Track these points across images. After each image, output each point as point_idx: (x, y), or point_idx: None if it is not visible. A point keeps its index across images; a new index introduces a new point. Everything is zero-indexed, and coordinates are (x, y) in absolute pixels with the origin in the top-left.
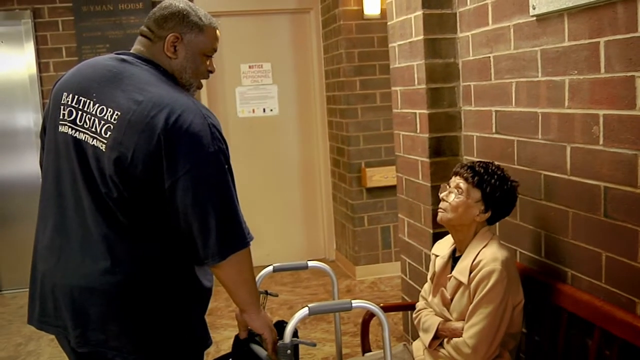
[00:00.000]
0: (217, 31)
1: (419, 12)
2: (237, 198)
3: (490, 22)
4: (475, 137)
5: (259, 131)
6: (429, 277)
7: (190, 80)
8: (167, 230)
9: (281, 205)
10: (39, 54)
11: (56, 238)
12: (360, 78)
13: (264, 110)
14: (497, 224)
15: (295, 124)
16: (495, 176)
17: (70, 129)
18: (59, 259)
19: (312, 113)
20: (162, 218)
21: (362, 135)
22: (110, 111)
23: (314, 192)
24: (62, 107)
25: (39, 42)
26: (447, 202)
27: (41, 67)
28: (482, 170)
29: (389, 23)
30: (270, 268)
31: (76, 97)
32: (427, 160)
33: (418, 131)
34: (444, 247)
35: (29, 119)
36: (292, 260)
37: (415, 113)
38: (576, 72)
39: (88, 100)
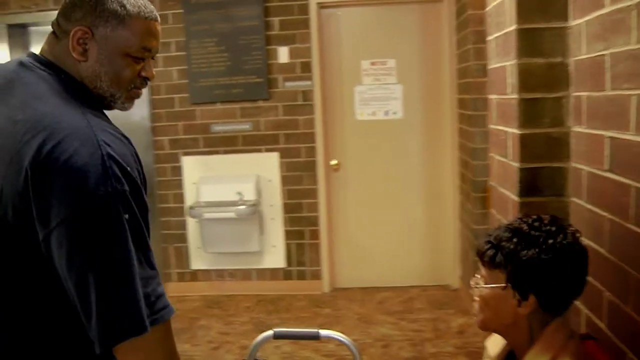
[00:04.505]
0: (153, 23)
1: None
2: (144, 259)
3: (607, 1)
4: (584, 172)
5: (380, 136)
6: None
7: (110, 90)
8: (55, 296)
9: (401, 220)
10: None
11: None
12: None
13: (386, 113)
14: (606, 311)
15: (422, 129)
16: (524, 242)
17: None
18: None
19: (442, 118)
20: (46, 280)
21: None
22: None
23: (440, 208)
24: None
25: None
26: (474, 299)
27: None
28: (503, 237)
29: (486, 10)
30: (270, 333)
31: None
32: (517, 199)
33: (509, 157)
34: (499, 341)
35: (140, 114)
36: (409, 284)
37: (507, 132)
38: None
39: None
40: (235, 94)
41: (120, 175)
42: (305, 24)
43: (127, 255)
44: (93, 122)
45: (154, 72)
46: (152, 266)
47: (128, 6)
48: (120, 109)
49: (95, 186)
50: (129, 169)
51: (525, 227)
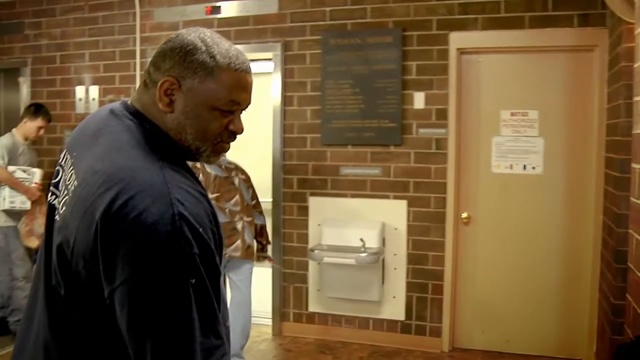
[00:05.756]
0: (244, 75)
1: None
2: (210, 328)
3: None
4: None
5: (516, 192)
6: None
7: (194, 143)
8: (122, 354)
9: (533, 283)
10: (285, 87)
11: (23, 324)
12: None
13: (525, 167)
14: None
15: (563, 187)
16: None
17: (51, 194)
18: (18, 350)
19: (586, 177)
20: (114, 336)
21: (630, 223)
22: (73, 178)
23: (578, 275)
24: (57, 164)
25: (286, 75)
26: None
27: (286, 100)
28: None
29: (634, 65)
30: None
31: (66, 154)
32: None
33: None
34: None
35: (275, 149)
36: (536, 352)
37: None
38: None
39: (70, 159)
40: (367, 138)
41: (190, 237)
42: (444, 69)
43: (189, 323)
44: (169, 177)
45: (243, 126)
46: (217, 335)
47: (218, 57)
48: (206, 162)
49: (162, 247)
50: (201, 230)
51: None
